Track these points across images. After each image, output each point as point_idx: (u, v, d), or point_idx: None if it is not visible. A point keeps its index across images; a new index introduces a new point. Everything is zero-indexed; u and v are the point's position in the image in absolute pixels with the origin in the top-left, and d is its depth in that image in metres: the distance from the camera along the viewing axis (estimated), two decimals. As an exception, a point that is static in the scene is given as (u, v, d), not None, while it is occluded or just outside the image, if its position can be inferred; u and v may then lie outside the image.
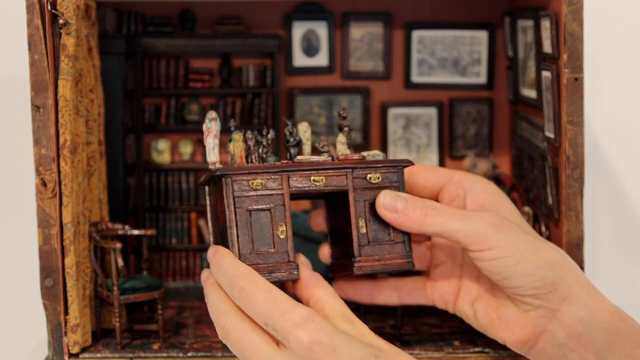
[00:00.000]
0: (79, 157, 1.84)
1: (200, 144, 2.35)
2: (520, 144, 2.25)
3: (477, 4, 2.37)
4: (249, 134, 1.82)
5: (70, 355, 1.85)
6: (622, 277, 2.50)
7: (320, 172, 1.72)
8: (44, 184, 1.79)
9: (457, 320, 2.11)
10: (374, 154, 1.78)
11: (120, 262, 1.95)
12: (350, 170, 1.71)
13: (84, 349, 1.86)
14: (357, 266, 1.69)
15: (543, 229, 2.01)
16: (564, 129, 1.83)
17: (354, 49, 2.37)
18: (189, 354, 1.86)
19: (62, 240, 1.80)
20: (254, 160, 1.80)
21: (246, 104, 2.33)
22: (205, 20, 2.32)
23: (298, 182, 1.74)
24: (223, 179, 1.70)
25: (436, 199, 1.21)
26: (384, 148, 2.38)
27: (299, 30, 2.35)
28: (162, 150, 2.33)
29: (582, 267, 1.85)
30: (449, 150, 2.41)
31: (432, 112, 2.40)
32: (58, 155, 1.79)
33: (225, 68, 2.32)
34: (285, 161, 1.77)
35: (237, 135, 1.79)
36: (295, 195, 1.77)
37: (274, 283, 1.61)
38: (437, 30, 2.36)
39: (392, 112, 2.39)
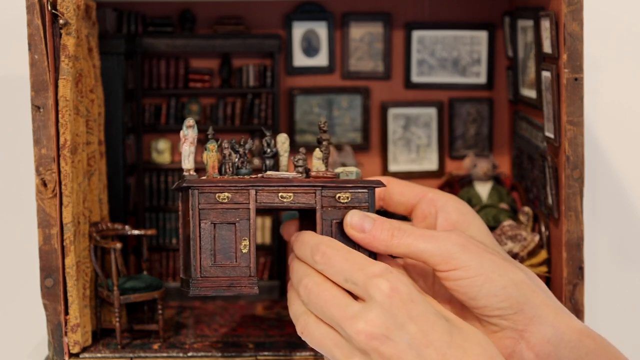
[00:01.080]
0: (79, 157, 1.84)
1: (200, 144, 2.35)
2: (520, 144, 2.25)
3: (477, 4, 2.37)
4: (224, 143, 1.80)
5: (71, 355, 1.85)
6: (622, 277, 2.50)
7: (288, 188, 1.70)
8: (44, 184, 1.79)
9: (457, 320, 2.12)
10: (348, 172, 1.74)
11: (120, 262, 1.95)
12: (320, 188, 1.69)
13: (84, 349, 1.86)
14: None
15: (543, 229, 2.01)
16: (563, 129, 1.83)
17: (354, 49, 2.37)
18: (189, 354, 1.86)
19: (62, 240, 1.80)
20: (227, 170, 1.79)
21: (246, 104, 2.33)
22: (205, 20, 2.32)
23: (266, 198, 1.72)
24: (190, 191, 1.70)
25: (410, 215, 1.21)
26: (383, 148, 2.39)
27: (299, 30, 2.35)
28: (162, 150, 2.33)
29: (581, 267, 1.85)
30: (449, 150, 2.41)
31: (432, 112, 2.40)
32: (58, 155, 1.79)
33: (225, 68, 2.32)
34: (255, 175, 1.75)
35: (211, 145, 1.78)
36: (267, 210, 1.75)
37: (232, 297, 1.60)
38: (437, 30, 2.36)
39: (392, 112, 2.39)
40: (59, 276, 1.81)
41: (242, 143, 1.85)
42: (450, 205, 1.20)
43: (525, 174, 2.23)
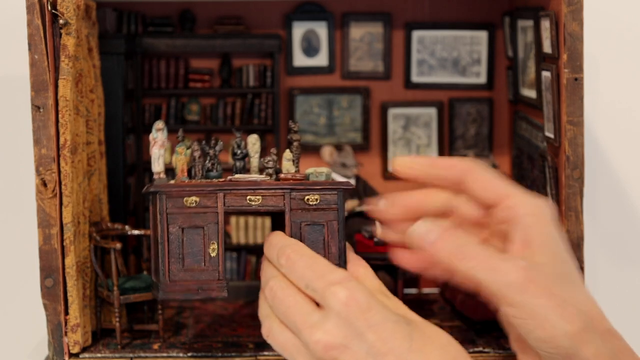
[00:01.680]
0: (79, 157, 1.84)
1: (200, 143, 2.35)
2: (520, 144, 2.26)
3: (477, 4, 2.37)
4: (194, 145, 1.80)
5: (71, 355, 1.85)
6: (622, 277, 2.50)
7: (256, 191, 1.70)
8: (44, 184, 1.79)
9: (457, 320, 2.11)
10: (319, 172, 1.73)
11: (120, 262, 1.95)
12: (289, 191, 1.68)
13: (84, 349, 1.86)
14: None
15: (543, 229, 2.02)
16: (563, 129, 1.83)
17: (354, 49, 2.37)
18: (189, 354, 1.86)
19: (62, 240, 1.80)
20: (197, 173, 1.79)
21: (246, 104, 2.33)
22: (205, 20, 2.32)
23: (234, 201, 1.71)
24: (157, 195, 1.70)
25: (487, 213, 1.16)
26: (384, 148, 2.39)
27: (299, 30, 2.35)
28: (162, 150, 2.33)
29: (582, 267, 1.85)
30: (449, 151, 2.41)
31: (432, 112, 2.40)
32: (58, 155, 1.79)
33: (225, 68, 2.32)
34: (222, 179, 1.74)
35: (180, 149, 1.79)
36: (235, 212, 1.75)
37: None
38: (437, 30, 2.36)
39: (392, 112, 2.39)
40: (59, 276, 1.81)
41: (212, 145, 1.84)
42: (529, 221, 1.13)
43: (525, 174, 2.23)
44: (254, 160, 1.83)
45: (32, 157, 1.80)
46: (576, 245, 1.85)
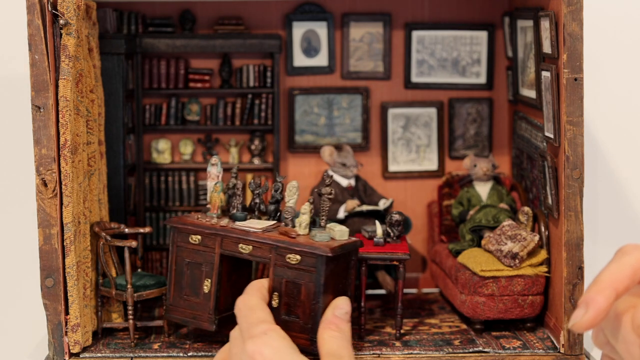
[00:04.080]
0: (80, 157, 1.84)
1: (200, 144, 2.36)
2: (520, 144, 2.26)
3: (477, 4, 2.37)
4: (237, 183, 1.93)
5: (71, 354, 1.85)
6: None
7: (248, 241, 1.84)
8: (45, 184, 1.79)
9: (457, 320, 2.12)
10: (322, 234, 1.80)
11: (116, 260, 1.96)
12: (275, 247, 1.81)
13: (85, 349, 1.86)
14: None
15: (542, 228, 2.02)
16: (563, 129, 1.83)
17: (354, 49, 2.37)
18: (189, 354, 1.86)
19: (62, 240, 1.81)
20: (231, 210, 1.96)
21: (246, 104, 2.33)
22: (206, 20, 2.33)
23: (230, 246, 1.88)
24: (171, 228, 1.91)
25: None
26: (384, 148, 2.39)
27: (299, 30, 2.35)
28: (162, 150, 2.33)
29: (581, 267, 1.86)
30: (449, 151, 2.41)
31: (432, 112, 2.40)
32: (59, 155, 1.79)
33: (226, 68, 2.32)
34: (224, 224, 1.87)
35: (217, 186, 1.95)
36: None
37: (193, 329, 1.91)
38: (437, 31, 2.37)
39: (392, 112, 2.39)
40: (59, 276, 1.81)
41: (259, 184, 1.95)
42: None
43: (525, 174, 2.23)
44: (291, 204, 1.90)
45: (33, 157, 1.81)
46: (576, 245, 1.85)
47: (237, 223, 1.88)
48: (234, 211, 1.91)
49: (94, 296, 1.93)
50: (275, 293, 1.77)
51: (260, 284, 1.32)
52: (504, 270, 1.96)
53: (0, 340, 2.21)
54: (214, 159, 1.96)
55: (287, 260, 1.78)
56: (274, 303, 1.76)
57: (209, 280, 1.85)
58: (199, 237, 1.87)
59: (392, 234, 2.01)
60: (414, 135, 2.41)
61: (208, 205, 1.94)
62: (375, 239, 2.00)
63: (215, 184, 1.93)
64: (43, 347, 1.94)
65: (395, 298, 2.01)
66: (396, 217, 2.01)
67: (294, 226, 1.85)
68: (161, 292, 1.96)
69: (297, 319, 1.76)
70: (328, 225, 1.84)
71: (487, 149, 2.40)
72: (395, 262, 1.97)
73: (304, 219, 1.85)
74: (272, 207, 1.92)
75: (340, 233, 1.82)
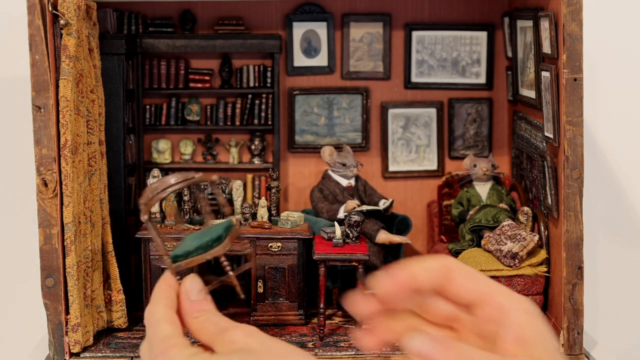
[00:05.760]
0: (80, 157, 1.85)
1: (200, 144, 2.36)
2: (520, 144, 2.26)
3: (476, 4, 2.37)
4: (184, 191, 2.06)
5: (71, 354, 1.85)
6: (621, 277, 2.51)
7: None
8: (45, 184, 1.79)
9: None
10: (290, 219, 2.04)
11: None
12: (255, 239, 1.99)
13: (85, 349, 1.87)
14: (253, 320, 2.02)
15: (542, 228, 2.02)
16: (563, 129, 1.84)
17: (354, 49, 2.37)
18: (190, 354, 1.87)
19: (63, 240, 1.81)
20: (184, 216, 2.08)
21: (246, 104, 2.34)
22: (206, 20, 2.33)
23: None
24: (142, 241, 1.99)
25: (467, 310, 1.13)
26: (384, 148, 2.39)
27: (299, 30, 2.35)
28: (162, 150, 2.33)
29: (581, 267, 1.86)
30: (449, 151, 2.41)
31: (431, 112, 2.40)
32: (59, 156, 1.79)
33: (226, 68, 2.32)
34: (197, 227, 2.02)
35: (170, 196, 2.06)
36: None
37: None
38: (436, 31, 2.37)
39: (392, 112, 2.39)
40: (59, 276, 1.81)
41: (202, 188, 2.02)
42: (521, 318, 1.11)
43: (524, 173, 2.23)
44: (237, 204, 2.11)
45: (33, 157, 1.81)
46: (575, 245, 1.86)
47: (212, 222, 2.01)
48: (187, 216, 2.09)
49: (96, 296, 1.93)
50: (260, 280, 2.01)
51: (166, 284, 1.20)
52: (503, 270, 1.96)
53: (0, 340, 2.21)
54: (155, 172, 2.12)
55: (269, 248, 2.02)
56: (259, 289, 2.00)
57: None
58: (174, 243, 1.97)
59: (351, 235, 2.03)
60: (413, 136, 2.41)
61: (154, 216, 2.09)
62: (334, 240, 2.02)
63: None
64: (43, 347, 1.94)
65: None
66: (355, 217, 2.03)
67: (255, 220, 2.10)
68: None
69: (285, 300, 2.02)
70: (283, 214, 2.09)
71: (486, 149, 2.40)
72: (354, 263, 1.98)
73: (264, 212, 2.11)
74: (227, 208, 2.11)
75: (299, 218, 2.08)
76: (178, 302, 1.08)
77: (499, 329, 1.09)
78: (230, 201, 2.22)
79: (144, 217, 0.93)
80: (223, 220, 1.03)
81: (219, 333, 1.06)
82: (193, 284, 1.07)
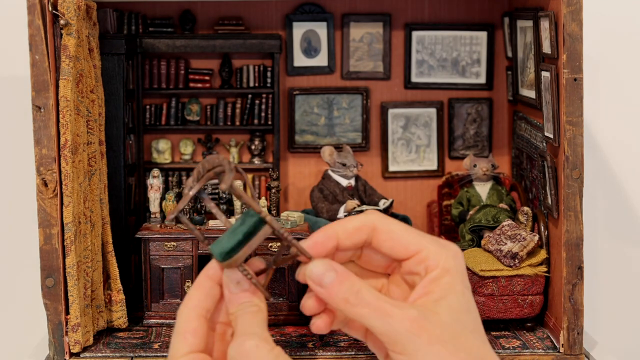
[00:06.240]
0: (80, 157, 1.85)
1: (200, 144, 2.36)
2: (520, 144, 2.26)
3: (476, 4, 2.37)
4: (185, 190, 2.01)
5: (71, 354, 1.85)
6: (621, 277, 2.51)
7: None
8: (45, 184, 1.79)
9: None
10: (290, 219, 2.03)
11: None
12: None
13: (85, 349, 1.87)
14: None
15: (542, 228, 2.02)
16: (563, 129, 1.84)
17: (354, 49, 2.37)
18: (190, 354, 1.86)
19: (63, 240, 1.81)
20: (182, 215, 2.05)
21: (246, 104, 2.34)
22: (206, 20, 2.33)
23: (206, 247, 1.92)
24: (142, 240, 2.01)
25: (399, 265, 1.14)
26: (384, 148, 2.39)
27: (299, 30, 2.35)
28: (162, 150, 2.33)
29: (581, 267, 1.86)
30: (448, 151, 2.41)
31: (431, 112, 2.41)
32: (59, 156, 1.79)
33: (226, 68, 2.32)
34: (199, 227, 2.04)
35: (169, 196, 2.09)
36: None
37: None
38: (436, 31, 2.37)
39: (392, 112, 2.39)
40: (59, 276, 1.81)
41: (204, 188, 2.02)
42: (436, 273, 1.11)
43: (524, 173, 2.23)
44: (237, 204, 2.11)
45: (33, 157, 1.81)
46: (575, 245, 1.86)
47: (211, 223, 2.09)
48: (187, 216, 2.13)
49: (97, 296, 1.93)
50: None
51: (205, 276, 1.15)
52: (503, 270, 1.96)
53: (0, 340, 2.21)
54: (155, 172, 2.11)
55: (269, 248, 2.02)
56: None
57: (190, 280, 2.01)
58: (174, 243, 2.02)
59: None
60: (413, 136, 2.41)
61: (154, 216, 2.10)
62: None
63: (168, 193, 2.09)
64: (43, 347, 1.94)
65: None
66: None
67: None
68: None
69: (285, 300, 2.01)
70: (283, 214, 2.09)
71: (486, 149, 2.40)
72: None
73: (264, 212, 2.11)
74: (223, 207, 2.16)
75: (299, 218, 2.07)
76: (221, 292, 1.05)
77: (419, 280, 1.09)
78: (230, 201, 2.23)
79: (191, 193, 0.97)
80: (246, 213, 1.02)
81: (235, 337, 1.04)
82: (230, 276, 1.03)
